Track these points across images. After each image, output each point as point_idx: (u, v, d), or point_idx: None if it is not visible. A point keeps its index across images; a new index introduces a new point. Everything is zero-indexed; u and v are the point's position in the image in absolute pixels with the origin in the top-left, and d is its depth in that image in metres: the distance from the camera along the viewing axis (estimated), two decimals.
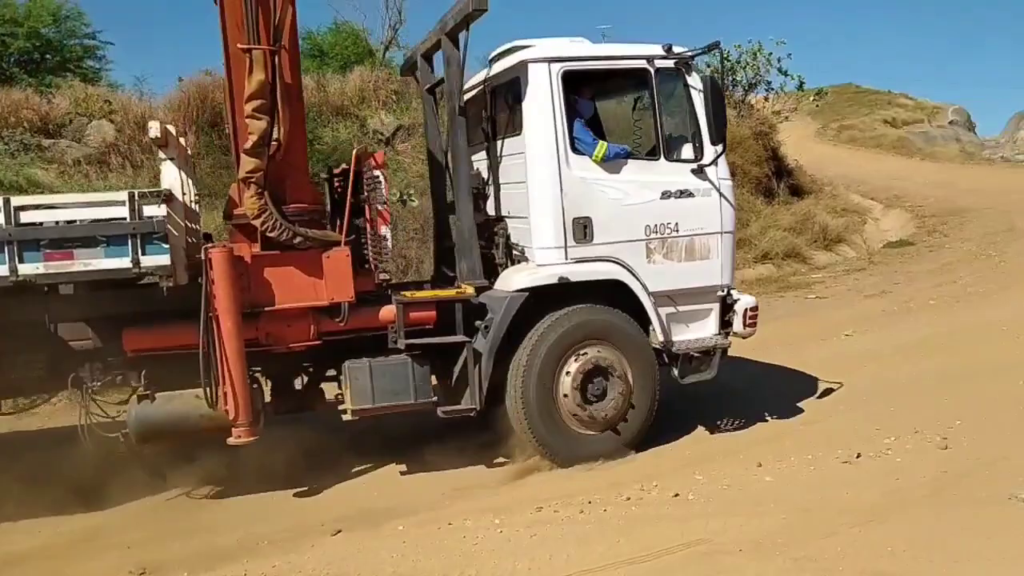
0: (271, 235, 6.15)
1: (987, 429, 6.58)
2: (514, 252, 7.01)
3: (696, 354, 6.90)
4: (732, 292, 7.02)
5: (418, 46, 8.09)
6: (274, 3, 6.02)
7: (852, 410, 7.58)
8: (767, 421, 7.57)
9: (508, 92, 6.93)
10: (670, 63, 6.75)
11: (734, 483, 6.08)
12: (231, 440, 6.08)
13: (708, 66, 15.75)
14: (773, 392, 8.33)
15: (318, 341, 6.43)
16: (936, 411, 7.11)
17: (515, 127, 6.79)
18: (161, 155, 6.51)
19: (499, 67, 6.98)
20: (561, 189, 6.51)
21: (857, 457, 6.28)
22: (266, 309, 6.24)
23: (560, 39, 6.99)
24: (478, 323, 6.55)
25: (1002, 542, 4.69)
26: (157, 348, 6.12)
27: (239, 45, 6.00)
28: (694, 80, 6.82)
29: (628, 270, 6.67)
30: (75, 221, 5.75)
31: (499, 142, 7.15)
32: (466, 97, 6.91)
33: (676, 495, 5.91)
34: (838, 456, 6.33)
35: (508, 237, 7.06)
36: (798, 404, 7.97)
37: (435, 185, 8.20)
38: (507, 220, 7.10)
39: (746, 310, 6.99)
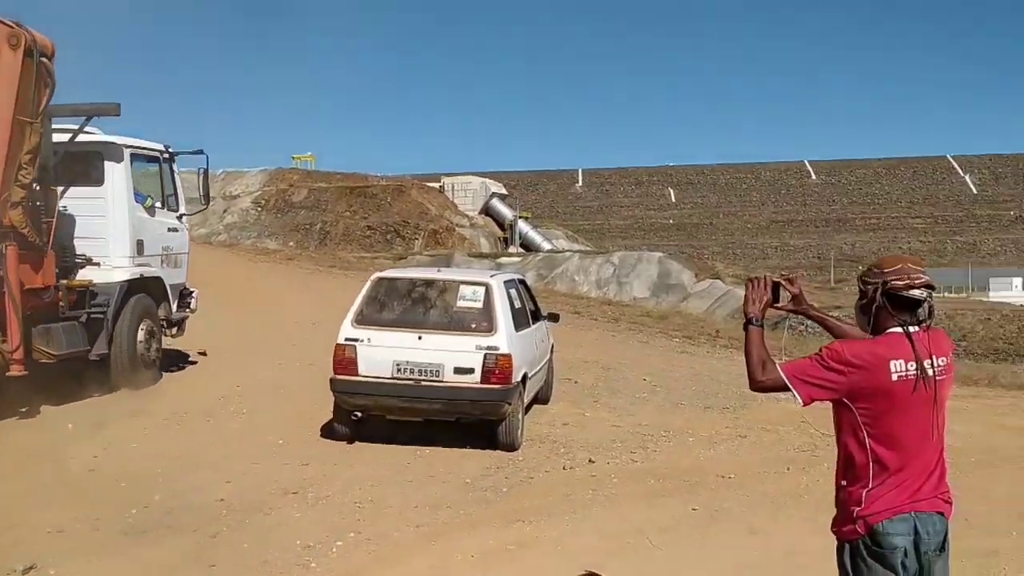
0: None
1: None
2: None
3: (176, 321, 11.16)
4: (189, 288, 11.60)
5: None
6: None
7: None
8: None
9: (95, 159, 10.11)
10: (167, 154, 11.14)
11: None
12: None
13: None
14: None
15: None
16: None
17: (98, 181, 10.07)
18: None
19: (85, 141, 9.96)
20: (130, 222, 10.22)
21: None
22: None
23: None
24: (100, 300, 9.72)
25: None
26: None
27: None
28: (175, 167, 11.38)
29: (160, 272, 10.75)
30: None
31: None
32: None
33: None
34: None
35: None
36: None
37: None
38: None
39: (190, 298, 11.55)
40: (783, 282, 3.38)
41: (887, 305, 3.02)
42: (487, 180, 64.55)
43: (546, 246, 55.84)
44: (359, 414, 8.05)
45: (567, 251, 52.59)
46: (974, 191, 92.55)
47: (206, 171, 11.62)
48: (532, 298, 9.91)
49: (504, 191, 64.58)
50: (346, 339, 7.96)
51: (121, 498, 6.50)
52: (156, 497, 6.53)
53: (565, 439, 8.72)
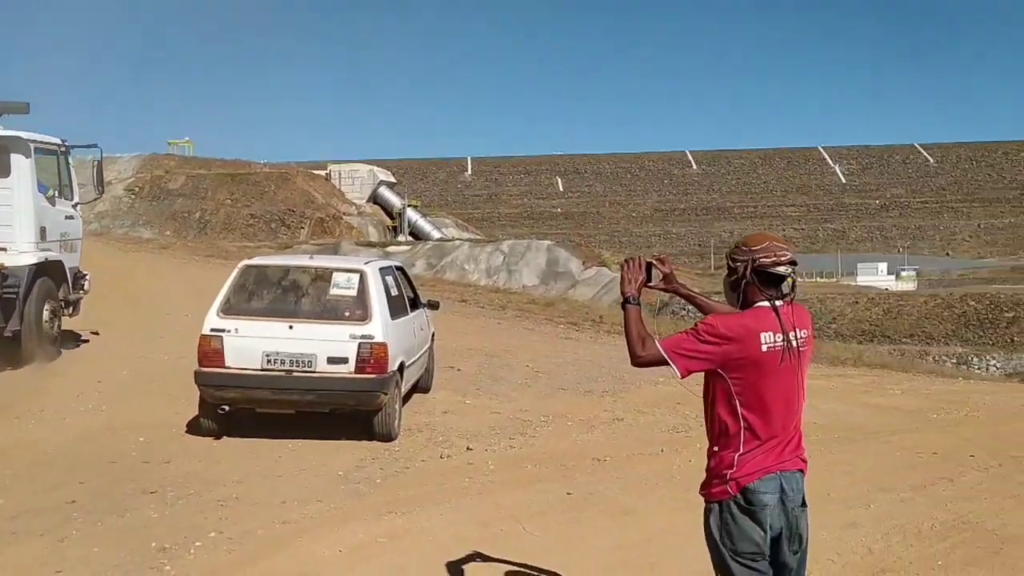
0: None
1: None
2: None
3: (73, 301, 11.75)
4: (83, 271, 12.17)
5: None
6: None
7: None
8: None
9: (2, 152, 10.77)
10: (63, 147, 11.72)
11: None
12: None
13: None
14: None
15: None
16: None
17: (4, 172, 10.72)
18: None
19: None
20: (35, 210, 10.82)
21: None
22: None
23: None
24: (12, 282, 10.26)
25: None
26: None
27: None
28: (70, 159, 11.93)
29: (60, 256, 11.28)
30: None
31: None
32: None
33: None
34: None
35: None
36: None
37: None
38: None
39: (84, 280, 12.08)
40: (655, 262, 3.53)
41: (755, 281, 3.21)
42: (375, 168, 63.72)
43: (436, 235, 55.63)
44: (227, 408, 7.70)
45: (457, 240, 52.57)
46: (843, 181, 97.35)
47: (99, 163, 12.45)
48: (411, 285, 9.73)
49: (392, 179, 63.93)
50: (212, 330, 7.60)
51: None
52: (1, 501, 6.06)
53: (444, 428, 8.60)
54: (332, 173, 61.45)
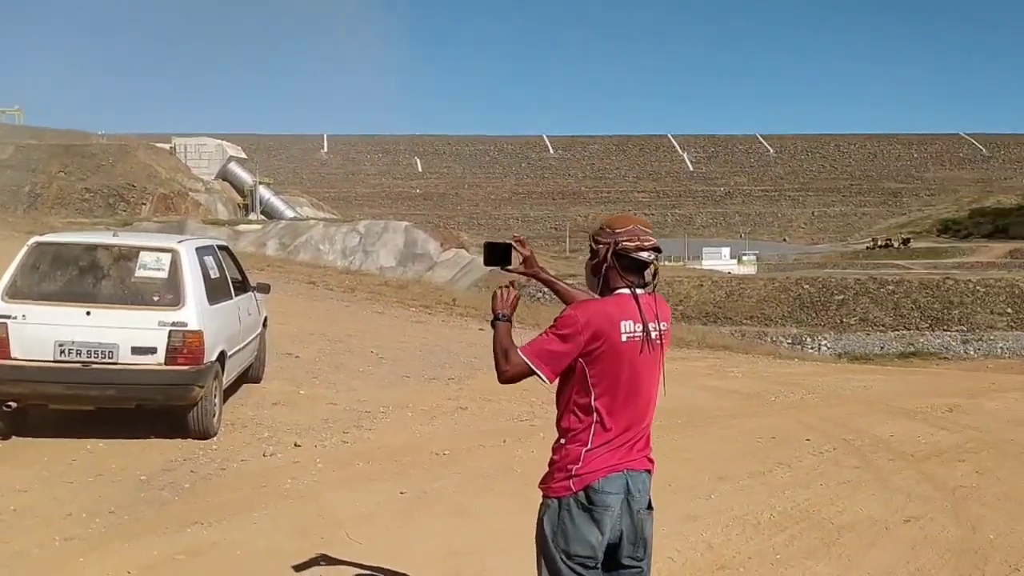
0: None
1: None
2: None
3: None
4: None
5: None
6: None
7: None
8: None
9: None
10: None
11: None
12: None
13: None
14: None
15: None
16: None
17: None
18: None
19: None
20: None
21: None
22: None
23: None
24: None
25: None
26: None
27: None
28: None
29: None
30: None
31: None
32: None
33: None
34: None
35: None
36: None
37: None
38: None
39: None
40: (515, 244, 3.33)
41: (616, 265, 3.01)
42: (224, 143, 60.80)
43: (289, 214, 53.64)
44: (12, 405, 6.69)
45: (311, 219, 50.85)
46: (691, 168, 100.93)
47: None
48: (237, 266, 8.87)
49: (243, 155, 61.19)
50: None
51: None
52: None
53: (272, 422, 7.86)
54: (177, 147, 58.21)
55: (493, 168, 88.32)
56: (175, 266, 7.00)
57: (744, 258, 72.47)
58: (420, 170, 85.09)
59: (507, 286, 3.21)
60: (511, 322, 3.13)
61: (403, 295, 20.96)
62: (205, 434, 7.12)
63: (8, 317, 6.55)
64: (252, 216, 52.34)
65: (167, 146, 58.28)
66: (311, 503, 5.93)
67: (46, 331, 6.58)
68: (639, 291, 3.03)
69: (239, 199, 56.11)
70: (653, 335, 3.02)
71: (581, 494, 2.96)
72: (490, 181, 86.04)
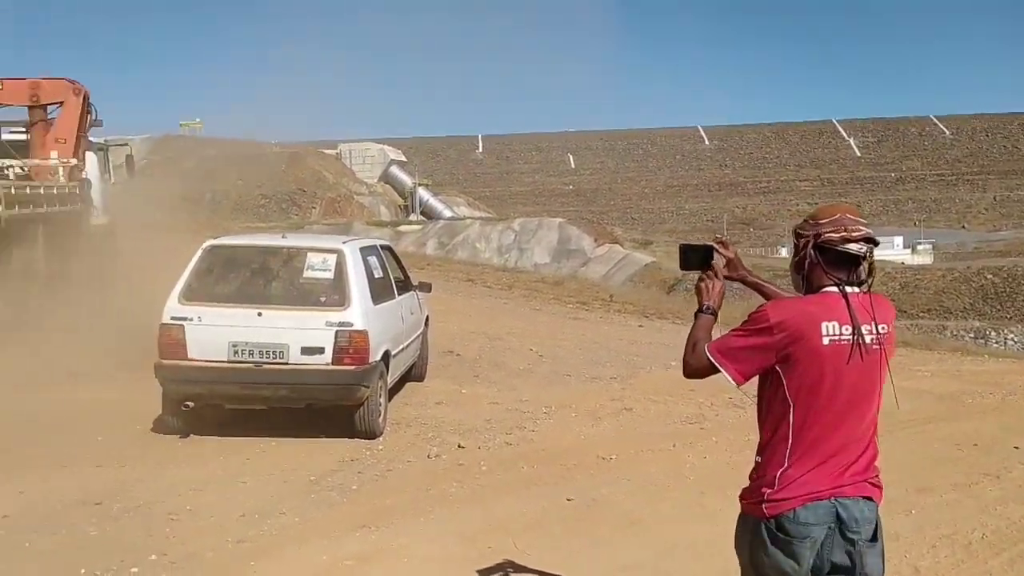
0: None
1: None
2: None
3: None
4: None
5: None
6: None
7: None
8: None
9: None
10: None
11: None
12: None
13: None
14: None
15: None
16: None
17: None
18: None
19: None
20: None
21: None
22: None
23: None
24: None
25: None
26: None
27: None
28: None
29: None
30: None
31: None
32: None
33: None
34: None
35: None
36: None
37: None
38: None
39: None
40: (716, 246, 3.02)
41: (819, 260, 2.66)
42: (386, 147, 62.78)
43: (447, 213, 54.69)
44: (190, 404, 6.89)
45: (468, 218, 51.65)
46: (858, 154, 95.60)
47: (130, 155, 15.56)
48: (400, 265, 8.87)
49: (403, 158, 62.99)
50: (172, 318, 6.78)
51: None
52: None
53: (435, 422, 7.76)
54: (343, 152, 60.59)
55: (647, 162, 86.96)
56: (340, 266, 7.00)
57: (919, 247, 67.83)
58: (573, 166, 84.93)
59: (710, 276, 2.91)
60: (715, 315, 2.83)
61: (559, 291, 20.74)
62: (371, 434, 7.09)
63: (185, 319, 6.74)
64: (412, 217, 53.80)
65: (334, 152, 60.84)
66: (477, 508, 5.73)
67: (221, 332, 6.72)
68: (850, 289, 2.63)
69: (400, 201, 57.80)
70: (867, 339, 2.61)
71: (772, 522, 2.62)
72: (643, 175, 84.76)
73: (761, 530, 2.64)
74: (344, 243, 7.34)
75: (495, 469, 6.54)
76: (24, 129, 13.20)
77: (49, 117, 13.10)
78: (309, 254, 7.10)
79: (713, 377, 2.74)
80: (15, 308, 10.49)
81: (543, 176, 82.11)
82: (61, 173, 12.63)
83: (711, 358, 2.66)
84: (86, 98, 13.43)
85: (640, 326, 15.25)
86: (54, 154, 12.76)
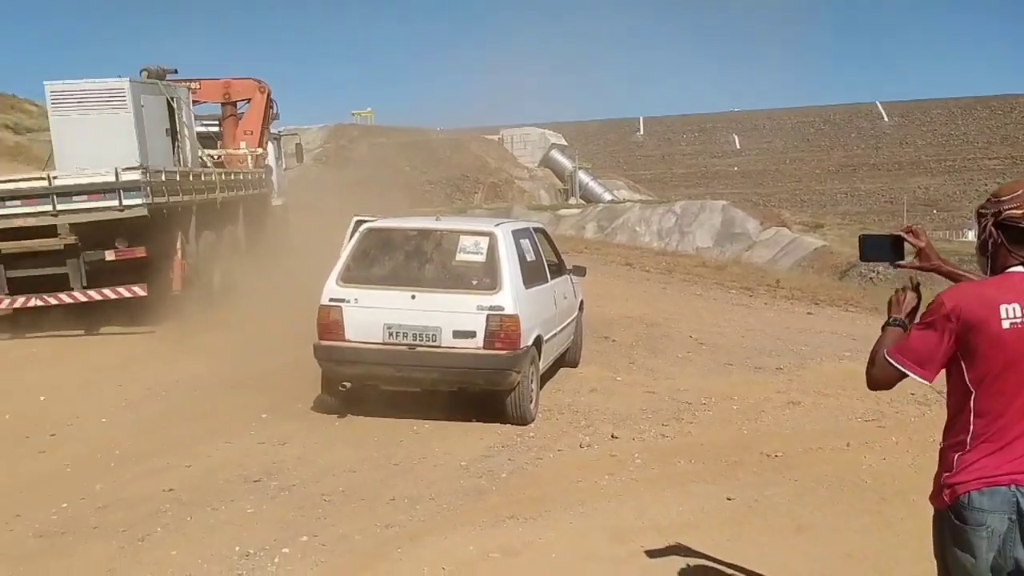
0: None
1: None
2: None
3: None
4: None
5: None
6: None
7: None
8: None
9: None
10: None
11: None
12: None
13: None
14: None
15: None
16: None
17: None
18: None
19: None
20: None
21: None
22: None
23: None
24: None
25: None
26: None
27: None
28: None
29: None
30: None
31: None
32: None
33: None
34: None
35: None
36: None
37: None
38: None
39: None
40: (906, 236, 2.85)
41: (1002, 240, 2.52)
42: (546, 131, 62.85)
43: (607, 197, 54.15)
44: (347, 385, 6.96)
45: (628, 201, 50.90)
46: None
47: (299, 143, 17.30)
48: (553, 249, 8.64)
49: (564, 142, 62.85)
50: (330, 300, 6.85)
51: (59, 488, 5.55)
52: (97, 487, 5.56)
53: (588, 410, 7.50)
54: (504, 137, 61.20)
55: (819, 140, 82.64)
56: (492, 249, 6.86)
57: None
58: (738, 147, 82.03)
59: (907, 288, 2.79)
60: (905, 327, 2.70)
61: (722, 276, 19.94)
62: (523, 420, 6.92)
63: (343, 301, 6.79)
64: (572, 200, 53.66)
65: (496, 137, 61.59)
66: (629, 503, 5.43)
67: (376, 314, 6.73)
68: None
69: (560, 184, 57.82)
70: None
71: (951, 508, 2.53)
72: (814, 154, 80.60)
73: (942, 521, 2.58)
74: (496, 226, 7.19)
75: (650, 463, 6.20)
76: (216, 123, 14.75)
77: (238, 112, 14.68)
78: (462, 237, 7.00)
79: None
80: (228, 278, 12.13)
81: (706, 158, 79.78)
82: (250, 161, 14.26)
83: (892, 362, 2.57)
84: (269, 95, 14.99)
85: (809, 313, 14.35)
86: (243, 144, 14.40)
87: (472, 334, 6.63)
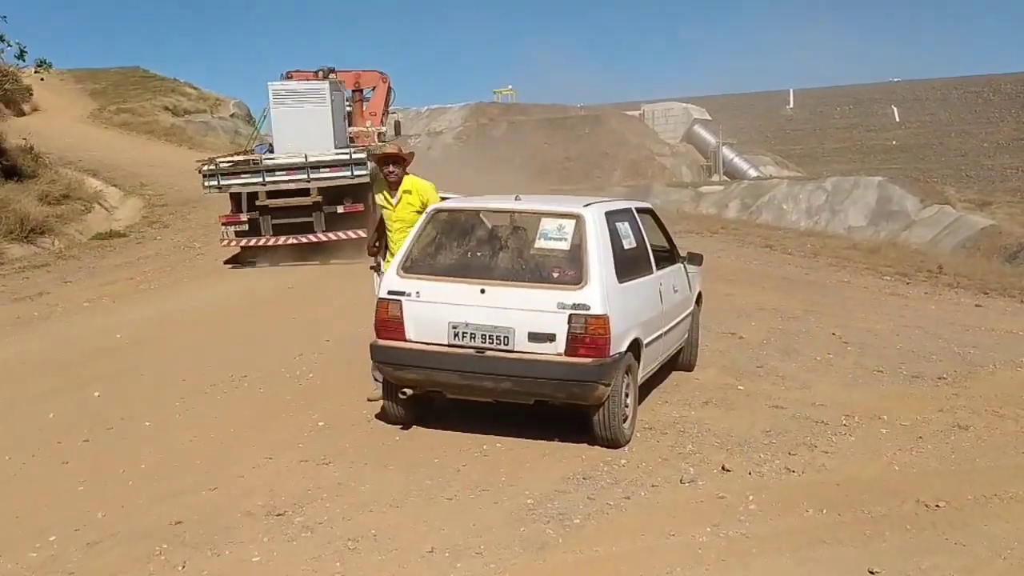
0: None
1: None
2: None
3: None
4: None
5: None
6: None
7: None
8: None
9: None
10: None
11: None
12: None
13: None
14: None
15: None
16: None
17: None
18: None
19: None
20: None
21: None
22: None
23: None
24: None
25: None
26: None
27: None
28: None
29: None
30: None
31: None
32: None
33: None
34: None
35: None
36: None
37: None
38: None
39: None
40: None
41: None
42: (689, 106, 59.99)
43: (752, 173, 51.01)
44: (408, 391, 5.86)
45: (774, 178, 47.65)
46: None
47: (398, 121, 18.63)
48: (664, 232, 7.22)
49: (707, 116, 59.77)
50: (389, 292, 5.76)
51: (58, 513, 4.74)
52: (100, 515, 4.70)
53: (698, 429, 6.10)
54: (645, 113, 58.91)
55: (987, 112, 75.22)
56: (579, 235, 5.56)
57: None
58: (897, 119, 75.87)
59: None
60: None
61: (874, 260, 17.63)
62: (614, 442, 5.62)
63: (402, 294, 5.69)
64: (715, 177, 51.00)
65: (636, 113, 59.54)
66: (736, 572, 4.06)
67: (440, 311, 5.59)
68: None
69: (702, 160, 55.20)
70: None
71: None
72: (983, 127, 73.46)
73: None
74: (586, 206, 5.84)
75: (767, 510, 4.78)
76: (348, 105, 16.75)
77: (365, 97, 17.06)
78: (543, 219, 5.72)
79: None
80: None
81: (861, 131, 74.21)
82: (376, 137, 16.42)
83: None
84: (389, 83, 17.86)
85: (978, 306, 12.17)
86: (368, 123, 16.74)
87: (551, 337, 5.38)
